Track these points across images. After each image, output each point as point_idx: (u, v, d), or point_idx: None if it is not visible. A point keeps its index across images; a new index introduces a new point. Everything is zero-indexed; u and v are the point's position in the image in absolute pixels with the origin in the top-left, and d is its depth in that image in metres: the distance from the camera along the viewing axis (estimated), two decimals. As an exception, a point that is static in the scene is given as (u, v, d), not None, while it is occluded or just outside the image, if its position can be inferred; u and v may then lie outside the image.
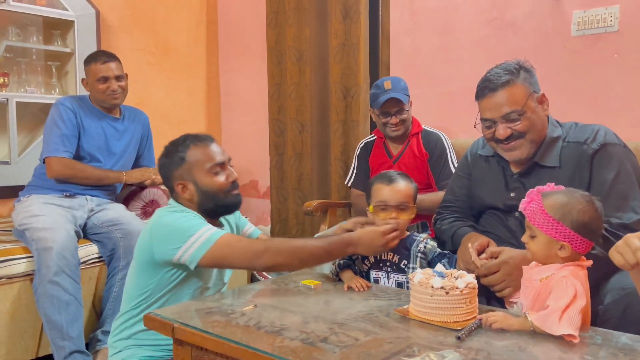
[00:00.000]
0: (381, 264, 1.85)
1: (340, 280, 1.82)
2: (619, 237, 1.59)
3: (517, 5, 2.78)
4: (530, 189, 1.48)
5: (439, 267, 1.52)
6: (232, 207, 1.82)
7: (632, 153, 1.74)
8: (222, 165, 1.78)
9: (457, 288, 1.40)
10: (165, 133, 2.56)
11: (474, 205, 1.98)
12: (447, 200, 2.07)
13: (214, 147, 1.79)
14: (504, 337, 1.30)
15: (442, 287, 1.40)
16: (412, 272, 1.74)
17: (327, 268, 1.98)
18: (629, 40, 2.48)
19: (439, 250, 1.83)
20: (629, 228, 1.61)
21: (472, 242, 1.73)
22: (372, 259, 1.87)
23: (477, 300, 1.45)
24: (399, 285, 1.81)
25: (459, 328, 1.35)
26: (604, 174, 1.67)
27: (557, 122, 1.87)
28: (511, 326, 1.33)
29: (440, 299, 1.40)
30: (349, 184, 2.80)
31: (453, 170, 2.49)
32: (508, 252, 1.64)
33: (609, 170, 1.67)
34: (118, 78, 2.66)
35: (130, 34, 3.68)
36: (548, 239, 1.40)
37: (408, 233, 1.88)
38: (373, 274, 1.86)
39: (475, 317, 1.41)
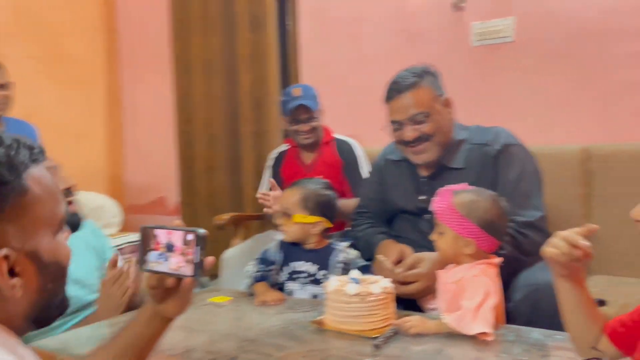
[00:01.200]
0: (295, 275, 1.78)
1: (252, 294, 1.73)
2: (524, 235, 1.65)
3: (422, 17, 2.85)
4: (440, 188, 1.48)
5: (354, 272, 1.48)
6: None
7: (530, 153, 1.81)
8: None
9: (372, 294, 1.36)
10: (60, 147, 2.35)
11: (387, 210, 1.97)
12: (361, 206, 2.05)
13: None
14: (422, 341, 1.27)
15: (357, 294, 1.35)
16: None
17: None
18: (524, 49, 2.61)
19: (362, 261, 1.79)
20: (533, 225, 1.65)
21: (388, 252, 1.71)
22: (288, 270, 1.79)
23: (394, 305, 1.41)
24: (314, 297, 1.74)
25: (376, 336, 1.30)
26: (507, 173, 1.72)
27: (463, 125, 1.91)
28: (428, 330, 1.31)
29: (356, 307, 1.35)
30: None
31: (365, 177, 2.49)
32: (428, 262, 1.62)
33: (512, 170, 1.73)
34: (2, 87, 2.42)
35: (16, 40, 3.38)
36: (454, 236, 1.41)
37: (328, 242, 1.83)
38: (287, 286, 1.78)
39: (391, 323, 1.38)
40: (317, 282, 1.75)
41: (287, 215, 1.77)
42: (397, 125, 1.82)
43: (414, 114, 1.77)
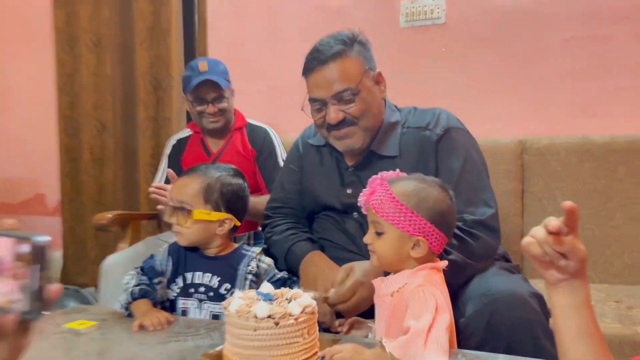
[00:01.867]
0: (192, 290, 1.39)
1: (131, 316, 1.32)
2: (474, 236, 1.36)
3: (343, -8, 2.55)
4: (373, 176, 1.17)
5: (265, 286, 1.11)
6: None
7: (474, 138, 1.54)
8: None
9: (290, 315, 1.00)
10: None
11: (307, 205, 1.62)
12: (276, 199, 1.69)
13: None
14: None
15: (269, 317, 0.99)
16: None
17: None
18: (455, 32, 2.38)
19: (277, 272, 1.43)
20: (484, 224, 1.38)
21: (319, 279, 1.38)
22: (181, 282, 1.40)
23: (317, 328, 1.07)
24: (215, 317, 1.36)
25: (295, 374, 0.95)
26: (450, 162, 1.43)
27: (395, 106, 1.62)
28: (364, 363, 0.98)
29: (268, 334, 0.99)
30: None
31: None
32: (359, 270, 1.29)
33: (456, 159, 1.45)
34: None
35: None
36: (400, 235, 1.10)
37: (235, 245, 1.45)
38: (180, 303, 1.39)
39: (315, 354, 1.03)
40: (219, 298, 1.37)
41: (182, 210, 1.38)
42: (319, 104, 1.49)
43: (339, 90, 1.45)
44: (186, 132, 2.31)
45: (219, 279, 1.38)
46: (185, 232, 1.37)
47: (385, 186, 1.12)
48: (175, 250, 1.42)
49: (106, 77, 2.96)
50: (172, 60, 2.77)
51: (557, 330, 0.77)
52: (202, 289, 1.38)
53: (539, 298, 1.22)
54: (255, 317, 0.99)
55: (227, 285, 1.38)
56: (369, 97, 1.48)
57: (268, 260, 1.44)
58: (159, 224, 2.39)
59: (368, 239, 1.15)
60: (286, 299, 1.06)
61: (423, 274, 1.10)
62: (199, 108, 2.14)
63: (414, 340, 0.95)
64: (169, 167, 2.26)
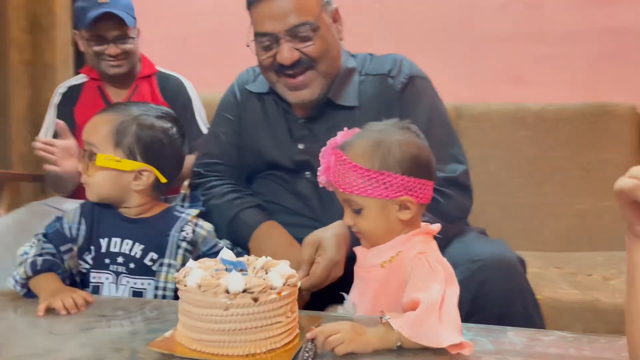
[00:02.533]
0: (108, 260, 1.09)
1: (31, 295, 0.99)
2: (446, 196, 1.22)
3: None
4: (323, 149, 0.98)
5: (226, 252, 0.87)
6: None
7: (435, 89, 1.39)
8: None
9: (271, 289, 0.77)
10: None
11: (247, 163, 1.37)
12: (210, 154, 1.39)
13: None
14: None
15: (245, 291, 0.76)
16: (169, 270, 1.06)
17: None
18: None
19: (219, 241, 1.18)
20: (456, 182, 1.25)
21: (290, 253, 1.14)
22: (93, 251, 1.09)
23: (296, 306, 0.85)
24: (137, 295, 1.08)
25: (283, 363, 0.73)
26: (416, 114, 1.26)
27: (348, 52, 1.42)
28: (366, 345, 0.78)
29: (245, 313, 0.75)
30: None
31: (203, 129, 1.84)
32: (329, 244, 1.07)
33: (422, 110, 1.28)
34: None
35: None
36: (380, 204, 0.92)
37: (165, 206, 1.17)
38: (92, 277, 1.08)
39: (297, 336, 0.81)
40: (143, 271, 1.09)
41: (87, 154, 1.08)
42: (268, 40, 1.24)
43: (296, 24, 1.21)
44: (80, 79, 1.91)
45: (142, 246, 1.10)
46: (92, 184, 1.08)
47: (339, 155, 0.93)
48: (89, 211, 1.11)
49: (-35, 9, 2.41)
50: (56, -7, 2.32)
51: (634, 290, 0.64)
52: (120, 259, 1.09)
53: (523, 264, 1.11)
54: (227, 292, 0.75)
55: (154, 255, 1.10)
56: (329, 36, 1.26)
57: (208, 225, 1.17)
58: (43, 188, 1.98)
59: (348, 219, 0.95)
60: (261, 269, 0.82)
61: (419, 239, 0.93)
62: (96, 48, 1.75)
63: (426, 316, 0.78)
64: (58, 118, 1.86)
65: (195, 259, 1.11)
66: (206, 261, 0.85)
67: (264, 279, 0.78)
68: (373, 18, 2.23)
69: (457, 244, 1.15)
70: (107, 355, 0.76)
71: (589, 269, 1.66)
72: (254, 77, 1.42)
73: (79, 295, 0.95)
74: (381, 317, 0.80)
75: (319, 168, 0.98)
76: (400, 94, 1.30)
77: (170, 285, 1.08)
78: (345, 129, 0.99)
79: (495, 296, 1.03)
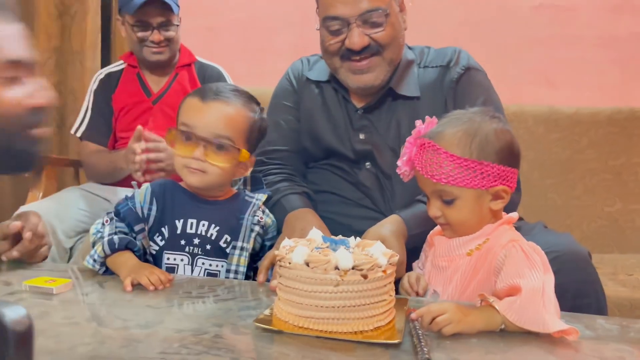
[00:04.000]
0: (183, 241, 1.08)
1: (109, 272, 0.98)
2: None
3: None
4: (408, 139, 0.97)
5: (316, 232, 0.86)
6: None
7: (490, 82, 1.40)
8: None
9: (378, 267, 0.77)
10: None
11: (307, 151, 1.36)
12: (271, 141, 1.36)
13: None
14: (469, 347, 0.74)
15: (354, 267, 0.75)
16: (242, 254, 1.05)
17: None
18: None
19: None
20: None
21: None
22: (167, 232, 1.08)
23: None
24: (211, 276, 1.08)
25: (395, 341, 0.73)
26: (470, 104, 1.26)
27: (406, 44, 1.42)
28: (472, 326, 0.78)
29: (355, 290, 0.75)
30: (78, 134, 1.84)
31: None
32: (393, 244, 1.06)
33: (476, 97, 1.29)
34: None
35: None
36: (476, 194, 0.92)
37: (235, 191, 1.16)
38: (166, 258, 1.07)
39: (394, 318, 0.81)
40: (218, 252, 1.08)
41: (218, 146, 1.05)
42: (338, 24, 1.24)
43: (368, 9, 1.22)
44: (118, 65, 1.89)
45: (217, 228, 1.09)
46: (212, 173, 1.05)
47: (431, 145, 0.93)
48: (161, 192, 1.09)
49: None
50: (87, -19, 2.30)
51: None
52: (196, 241, 1.08)
53: (590, 257, 1.12)
54: (337, 268, 0.75)
55: (227, 237, 1.09)
56: (397, 24, 1.27)
57: (272, 215, 1.17)
58: (77, 173, 1.94)
59: (435, 210, 0.94)
60: (363, 247, 0.82)
61: (505, 228, 0.93)
62: (140, 34, 1.74)
63: (530, 302, 0.78)
64: (93, 106, 1.84)
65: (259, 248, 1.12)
66: (301, 240, 0.84)
67: (371, 257, 0.77)
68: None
69: (527, 237, 1.15)
70: (210, 330, 0.75)
71: (627, 269, 1.67)
72: (309, 66, 1.42)
73: (161, 272, 0.94)
74: (481, 300, 0.80)
75: (402, 156, 0.97)
76: (456, 84, 1.30)
77: (241, 269, 1.07)
78: (419, 122, 0.99)
79: (569, 287, 1.03)
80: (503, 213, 0.98)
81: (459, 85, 1.30)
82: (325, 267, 0.75)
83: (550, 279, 0.83)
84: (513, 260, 0.85)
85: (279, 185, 1.29)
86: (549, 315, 0.77)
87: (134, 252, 1.00)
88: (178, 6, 1.79)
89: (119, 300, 0.84)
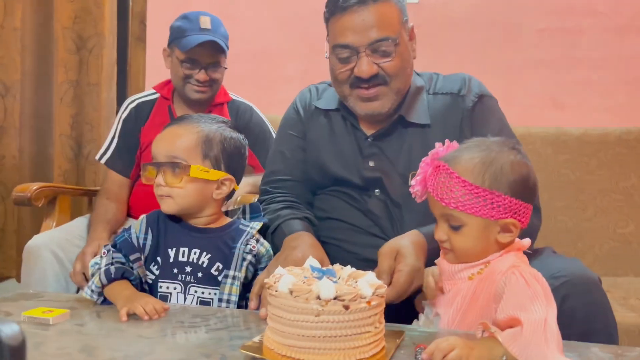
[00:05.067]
0: (176, 270, 1.10)
1: (107, 302, 1.01)
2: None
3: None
4: (425, 159, 0.97)
5: (312, 261, 0.88)
6: None
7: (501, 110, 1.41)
8: None
9: (361, 298, 0.78)
10: None
11: (313, 180, 1.37)
12: (276, 171, 1.40)
13: None
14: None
15: (336, 298, 0.76)
16: (234, 282, 1.07)
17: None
18: (429, 12, 2.27)
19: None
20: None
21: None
22: (161, 261, 1.11)
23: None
24: (203, 304, 1.09)
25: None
26: (487, 132, 1.27)
27: (415, 71, 1.44)
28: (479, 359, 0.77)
29: (335, 320, 0.76)
30: (103, 160, 1.82)
31: None
32: (409, 253, 1.07)
33: (492, 129, 1.28)
34: None
35: None
36: (484, 224, 0.91)
37: (229, 219, 1.18)
38: (159, 287, 1.09)
39: (383, 349, 0.81)
40: (209, 280, 1.10)
41: (173, 167, 1.09)
42: (347, 52, 1.25)
43: (378, 39, 1.23)
44: (151, 95, 1.85)
45: (209, 255, 1.11)
46: (177, 195, 1.09)
47: (445, 168, 0.92)
48: (155, 221, 1.13)
49: (13, 30, 2.47)
50: (104, 16, 2.38)
51: None
52: (188, 269, 1.10)
53: (601, 282, 1.10)
54: (318, 298, 0.76)
55: (219, 265, 1.11)
56: (406, 54, 1.28)
57: (266, 244, 1.19)
58: (90, 202, 1.99)
59: (441, 234, 0.94)
60: (352, 278, 0.83)
61: (510, 256, 0.93)
62: (187, 72, 1.71)
63: (533, 336, 0.77)
64: (121, 134, 1.81)
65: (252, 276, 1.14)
66: (294, 269, 0.85)
67: (354, 288, 0.78)
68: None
69: (535, 262, 1.14)
70: (198, 359, 0.76)
71: (639, 293, 1.64)
72: (317, 94, 1.43)
73: (156, 301, 0.96)
74: (483, 330, 0.80)
75: (415, 177, 0.97)
76: (471, 112, 1.30)
77: (233, 298, 1.09)
78: (439, 144, 0.99)
79: (578, 313, 1.01)
80: (517, 240, 0.96)
81: (474, 114, 1.31)
82: (307, 297, 0.76)
83: (552, 310, 0.82)
84: (513, 289, 0.84)
85: (281, 212, 1.30)
86: (550, 352, 0.77)
87: (130, 281, 1.03)
88: (228, 48, 1.78)
89: (113, 331, 0.86)
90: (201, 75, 1.70)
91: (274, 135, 1.81)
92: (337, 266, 0.89)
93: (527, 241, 0.95)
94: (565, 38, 2.17)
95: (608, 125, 2.05)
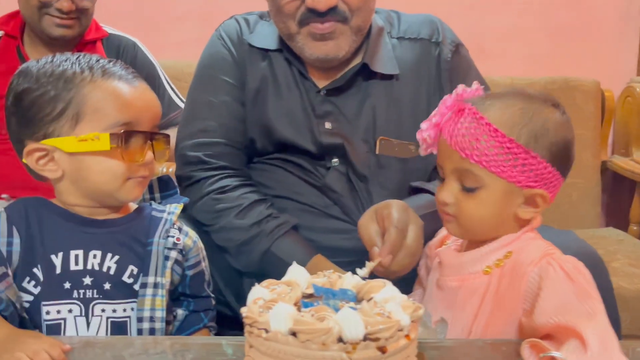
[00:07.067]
0: (68, 284, 0.74)
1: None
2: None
3: None
4: (445, 99, 0.74)
5: (297, 269, 0.59)
6: None
7: None
8: None
9: (399, 331, 0.51)
10: None
11: (252, 144, 1.05)
12: (207, 130, 1.03)
13: None
14: None
15: (368, 337, 0.49)
16: (156, 293, 0.76)
17: None
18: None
19: (204, 259, 0.87)
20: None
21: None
22: (41, 274, 0.74)
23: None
24: (118, 328, 0.76)
25: None
26: (467, 82, 1.03)
27: None
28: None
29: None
30: None
31: (176, 98, 1.50)
32: (416, 226, 0.83)
33: (471, 77, 1.03)
34: None
35: None
36: (507, 189, 0.70)
37: (135, 205, 0.83)
38: (45, 312, 0.73)
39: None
40: (122, 292, 0.77)
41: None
42: None
43: None
44: None
45: (116, 258, 0.77)
46: None
47: (473, 112, 0.70)
48: (22, 216, 0.75)
49: None
50: None
51: None
52: (87, 280, 0.75)
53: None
54: (341, 341, 0.48)
55: (133, 269, 0.78)
56: None
57: (192, 233, 0.86)
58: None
59: (447, 195, 0.72)
60: (370, 298, 0.55)
61: (529, 236, 0.73)
62: None
63: (605, 354, 0.57)
64: None
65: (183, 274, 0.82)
66: (278, 286, 0.56)
67: (388, 314, 0.51)
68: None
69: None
70: None
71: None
72: (248, 28, 1.09)
73: (50, 343, 0.61)
74: (542, 355, 0.59)
75: (431, 117, 0.74)
76: (450, 64, 1.08)
77: (158, 314, 0.77)
78: (462, 85, 0.75)
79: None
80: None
81: (452, 65, 1.09)
82: (323, 340, 0.48)
83: (603, 310, 0.63)
84: (553, 286, 0.65)
85: (264, 214, 0.97)
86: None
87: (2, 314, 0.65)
88: None
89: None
90: (64, 3, 1.33)
91: (166, 81, 1.54)
92: (327, 272, 0.61)
93: (538, 220, 0.75)
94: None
95: (529, 75, 1.96)
